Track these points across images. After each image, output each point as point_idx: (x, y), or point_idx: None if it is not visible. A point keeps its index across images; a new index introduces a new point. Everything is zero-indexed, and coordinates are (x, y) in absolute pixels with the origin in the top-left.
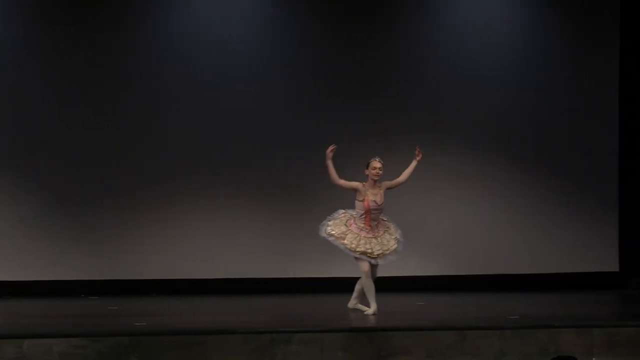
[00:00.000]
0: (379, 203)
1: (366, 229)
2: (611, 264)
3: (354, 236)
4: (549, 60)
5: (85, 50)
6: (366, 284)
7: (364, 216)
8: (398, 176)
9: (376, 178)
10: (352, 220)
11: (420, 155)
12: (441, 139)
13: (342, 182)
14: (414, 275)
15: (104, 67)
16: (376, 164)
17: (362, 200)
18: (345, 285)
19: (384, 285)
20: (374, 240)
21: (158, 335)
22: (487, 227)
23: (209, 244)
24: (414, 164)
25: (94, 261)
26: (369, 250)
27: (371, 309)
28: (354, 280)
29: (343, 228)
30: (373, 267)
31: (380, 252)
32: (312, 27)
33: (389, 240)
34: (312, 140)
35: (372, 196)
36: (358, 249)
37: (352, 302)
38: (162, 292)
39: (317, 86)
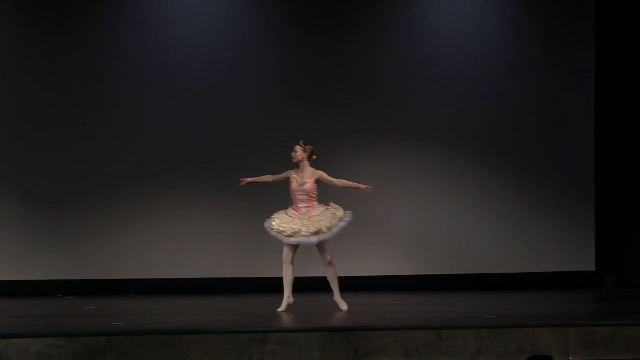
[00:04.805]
0: (301, 184)
1: (295, 209)
2: (588, 264)
3: (280, 216)
4: (526, 62)
5: (61, 50)
6: (284, 270)
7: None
8: (342, 178)
9: (294, 160)
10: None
11: (368, 191)
12: (417, 140)
13: (272, 177)
14: (390, 275)
15: (80, 66)
16: (295, 147)
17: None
18: (322, 284)
19: (360, 284)
20: (297, 220)
21: (135, 335)
22: (464, 227)
23: (186, 244)
24: (356, 186)
25: (70, 261)
26: (282, 229)
27: (283, 305)
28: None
29: (281, 214)
30: (319, 250)
31: (294, 231)
32: (287, 28)
33: (320, 220)
34: (289, 141)
35: (296, 177)
36: (274, 228)
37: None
38: (139, 292)
39: (292, 87)
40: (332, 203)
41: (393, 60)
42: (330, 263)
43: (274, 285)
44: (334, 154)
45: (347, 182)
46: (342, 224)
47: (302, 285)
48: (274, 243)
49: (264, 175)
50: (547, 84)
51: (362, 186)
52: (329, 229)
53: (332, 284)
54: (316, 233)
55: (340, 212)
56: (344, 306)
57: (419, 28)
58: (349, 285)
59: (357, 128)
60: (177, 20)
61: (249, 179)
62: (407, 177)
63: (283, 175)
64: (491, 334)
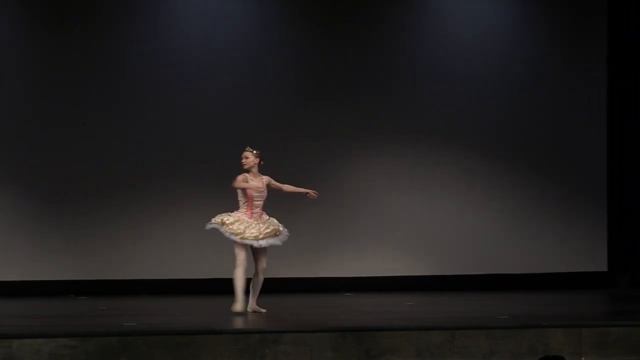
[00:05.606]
0: (261, 190)
1: (247, 215)
2: (600, 264)
3: (236, 219)
4: (538, 61)
5: (70, 50)
6: (235, 274)
7: (246, 204)
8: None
9: (245, 167)
10: (236, 211)
11: (313, 197)
12: (429, 139)
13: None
14: (403, 275)
15: (89, 67)
16: (244, 154)
17: (244, 189)
18: (336, 285)
19: (371, 284)
20: (253, 223)
21: (147, 336)
22: (476, 227)
23: (199, 244)
24: (301, 191)
25: (83, 261)
26: (240, 231)
27: (237, 305)
28: (344, 280)
29: (226, 216)
30: (258, 255)
31: (257, 234)
32: (299, 27)
33: (269, 226)
34: (291, 141)
35: (253, 182)
36: (238, 231)
37: (251, 304)
38: (151, 292)
39: (303, 86)
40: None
41: (404, 60)
42: (263, 270)
43: (283, 286)
44: (342, 154)
45: (294, 187)
46: (286, 232)
47: (313, 286)
48: (277, 245)
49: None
50: (559, 83)
51: (309, 191)
52: (280, 231)
53: (255, 290)
54: (274, 234)
55: (274, 222)
56: (262, 309)
57: (431, 28)
58: (361, 285)
59: (364, 128)
60: (178, 21)
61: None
62: (419, 177)
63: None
64: (503, 334)
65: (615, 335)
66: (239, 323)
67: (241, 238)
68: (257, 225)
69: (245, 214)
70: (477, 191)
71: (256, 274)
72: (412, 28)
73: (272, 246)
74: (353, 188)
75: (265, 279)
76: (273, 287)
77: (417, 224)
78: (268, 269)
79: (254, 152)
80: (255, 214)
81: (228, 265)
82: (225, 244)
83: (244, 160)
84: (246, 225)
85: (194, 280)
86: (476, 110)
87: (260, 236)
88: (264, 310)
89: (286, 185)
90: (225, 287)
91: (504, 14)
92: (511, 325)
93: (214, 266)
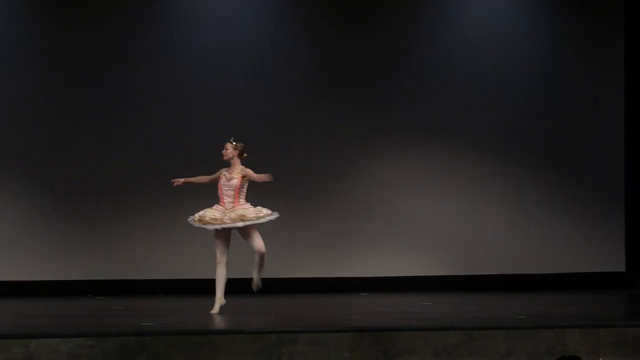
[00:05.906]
0: (228, 179)
1: (221, 205)
2: (618, 264)
3: (203, 211)
4: (555, 61)
5: (84, 49)
6: (216, 273)
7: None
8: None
9: (224, 158)
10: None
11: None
12: (445, 139)
13: (207, 178)
14: (420, 275)
15: (102, 66)
16: (225, 145)
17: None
18: (352, 285)
19: (390, 285)
20: (220, 210)
21: (165, 335)
22: (494, 227)
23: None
24: (262, 177)
25: (100, 261)
26: (213, 217)
27: (215, 306)
28: (361, 280)
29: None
30: (246, 238)
31: (214, 218)
32: (310, 26)
33: (245, 209)
34: (313, 140)
35: (225, 174)
36: (195, 219)
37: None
38: (168, 292)
39: (313, 86)
40: (259, 207)
41: (415, 60)
42: (259, 250)
43: (299, 286)
44: (351, 155)
45: (259, 175)
46: (270, 217)
47: (332, 286)
48: (292, 244)
49: (200, 175)
50: (574, 82)
51: (264, 176)
52: (256, 217)
53: (256, 266)
54: (241, 219)
55: (266, 210)
56: (254, 285)
57: (443, 28)
58: (377, 285)
59: (373, 128)
60: (186, 21)
61: (182, 179)
62: (433, 177)
63: (217, 175)
64: (521, 334)
65: (633, 335)
66: (256, 323)
67: (198, 221)
68: (224, 212)
69: (220, 205)
70: (493, 191)
71: (255, 254)
72: (425, 28)
73: (286, 246)
74: (366, 189)
75: (281, 280)
76: (289, 287)
77: (432, 223)
78: (283, 269)
79: (236, 144)
80: (229, 204)
81: (243, 265)
82: (239, 244)
83: (223, 152)
84: (210, 211)
85: (209, 280)
86: (492, 110)
87: (223, 220)
88: (256, 287)
89: (257, 176)
90: (242, 286)
91: (516, 15)
92: (528, 326)
93: (234, 266)
